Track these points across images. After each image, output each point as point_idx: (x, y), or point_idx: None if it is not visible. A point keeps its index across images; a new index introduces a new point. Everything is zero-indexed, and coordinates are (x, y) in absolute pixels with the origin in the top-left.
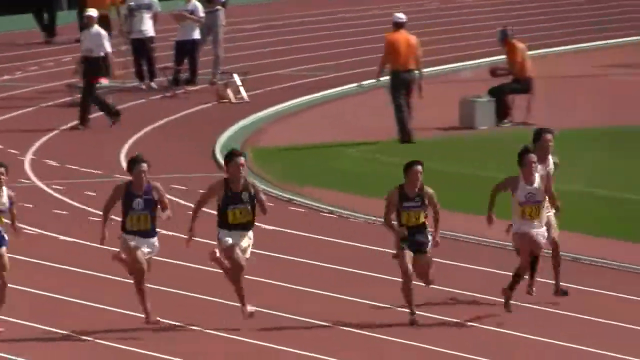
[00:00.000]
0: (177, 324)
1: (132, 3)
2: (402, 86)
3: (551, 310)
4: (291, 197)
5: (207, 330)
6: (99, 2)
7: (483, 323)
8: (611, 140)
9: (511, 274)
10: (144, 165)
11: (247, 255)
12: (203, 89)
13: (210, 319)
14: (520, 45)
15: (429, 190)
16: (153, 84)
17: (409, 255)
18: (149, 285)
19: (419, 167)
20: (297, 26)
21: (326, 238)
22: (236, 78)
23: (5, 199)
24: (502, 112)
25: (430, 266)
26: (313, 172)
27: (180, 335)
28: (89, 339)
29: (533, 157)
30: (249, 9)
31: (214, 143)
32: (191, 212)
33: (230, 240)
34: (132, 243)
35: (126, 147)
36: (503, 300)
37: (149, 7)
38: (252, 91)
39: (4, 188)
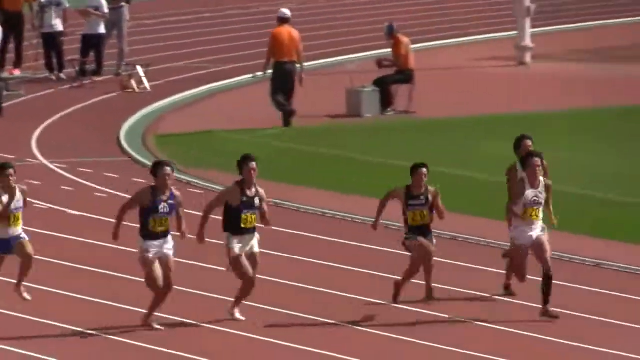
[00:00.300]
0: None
1: (43, 0)
2: (284, 76)
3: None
4: (190, 179)
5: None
6: (15, 0)
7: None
8: (481, 126)
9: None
10: (168, 169)
11: (257, 249)
12: (108, 80)
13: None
14: (405, 40)
15: (432, 188)
16: (62, 75)
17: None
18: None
19: (424, 170)
20: (195, 22)
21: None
22: (139, 69)
23: (18, 198)
24: (386, 101)
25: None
26: (210, 156)
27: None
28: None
29: (537, 160)
30: (150, 6)
31: (118, 129)
32: (201, 219)
33: (237, 250)
34: (156, 266)
35: (37, 133)
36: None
37: (58, 3)
38: (153, 82)
39: (17, 186)
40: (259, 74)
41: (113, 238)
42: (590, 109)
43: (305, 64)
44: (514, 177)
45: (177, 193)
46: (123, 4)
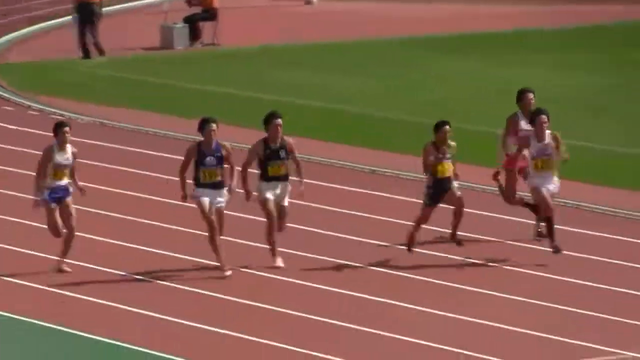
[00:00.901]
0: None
1: None
2: (87, 16)
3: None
4: (30, 103)
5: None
6: None
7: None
8: (275, 54)
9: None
10: (214, 125)
11: (286, 202)
12: None
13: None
14: None
15: (453, 143)
16: None
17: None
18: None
19: (448, 127)
20: None
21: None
22: None
23: (69, 155)
24: (194, 35)
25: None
26: (45, 83)
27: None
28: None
29: (544, 117)
30: None
31: None
32: (241, 178)
33: (269, 195)
34: (205, 200)
35: None
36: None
37: None
38: None
39: (69, 145)
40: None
41: (182, 199)
42: (374, 39)
43: (123, 5)
44: (510, 124)
45: (223, 143)
46: None
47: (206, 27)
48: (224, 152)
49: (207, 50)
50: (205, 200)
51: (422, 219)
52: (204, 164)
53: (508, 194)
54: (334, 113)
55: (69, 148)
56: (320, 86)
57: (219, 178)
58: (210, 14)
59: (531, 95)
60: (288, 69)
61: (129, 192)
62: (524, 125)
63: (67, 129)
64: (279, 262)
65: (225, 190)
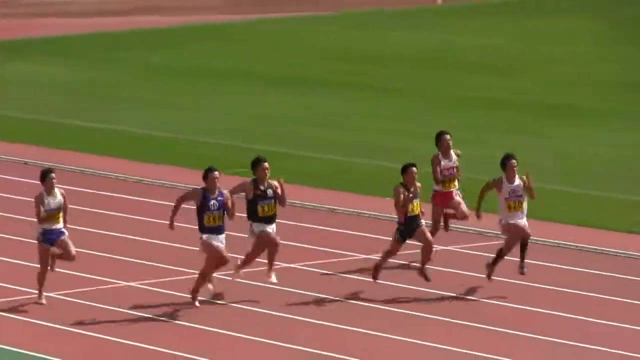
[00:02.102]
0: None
1: None
2: None
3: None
4: None
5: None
6: None
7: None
8: None
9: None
10: (216, 173)
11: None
12: None
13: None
14: None
15: (418, 183)
16: None
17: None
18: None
19: (414, 169)
20: None
21: None
22: None
23: (59, 198)
24: None
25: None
26: None
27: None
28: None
29: (514, 162)
30: None
31: None
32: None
33: (260, 228)
34: (215, 243)
35: None
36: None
37: None
38: None
39: (57, 189)
40: None
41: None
42: None
43: None
44: (434, 163)
45: (224, 191)
46: None
47: None
48: (225, 198)
49: None
50: (214, 242)
51: (391, 252)
52: (208, 209)
53: (435, 227)
54: None
55: (57, 192)
56: None
57: (220, 222)
58: None
59: (448, 137)
60: None
61: None
62: (446, 163)
63: (53, 175)
64: (274, 277)
65: (224, 236)
